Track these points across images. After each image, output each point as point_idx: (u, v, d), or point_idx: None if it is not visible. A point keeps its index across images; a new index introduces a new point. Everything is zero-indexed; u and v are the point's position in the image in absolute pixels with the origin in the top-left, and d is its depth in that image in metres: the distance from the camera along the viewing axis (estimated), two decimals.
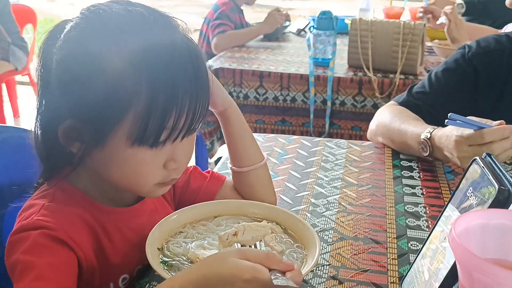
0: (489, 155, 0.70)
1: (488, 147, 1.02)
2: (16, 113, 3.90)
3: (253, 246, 0.75)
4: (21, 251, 0.66)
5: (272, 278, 0.60)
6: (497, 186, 0.61)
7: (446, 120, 1.05)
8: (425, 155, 1.17)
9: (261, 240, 0.76)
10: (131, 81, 0.65)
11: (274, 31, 2.95)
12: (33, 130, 0.74)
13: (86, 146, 0.69)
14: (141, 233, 0.78)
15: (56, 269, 0.65)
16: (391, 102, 1.45)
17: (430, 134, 1.15)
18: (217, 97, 0.87)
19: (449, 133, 1.09)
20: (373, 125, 1.40)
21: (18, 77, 3.99)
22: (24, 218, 0.71)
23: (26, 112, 3.96)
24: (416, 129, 1.21)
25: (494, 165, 0.67)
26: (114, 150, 0.69)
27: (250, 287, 0.60)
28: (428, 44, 2.48)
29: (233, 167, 0.94)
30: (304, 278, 0.80)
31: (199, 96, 0.69)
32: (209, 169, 1.00)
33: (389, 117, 1.33)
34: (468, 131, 1.05)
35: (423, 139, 1.16)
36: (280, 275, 0.61)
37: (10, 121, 3.73)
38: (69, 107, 0.68)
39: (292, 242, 0.82)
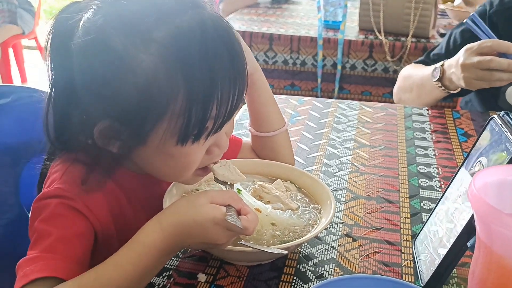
0: (507, 113, 0.69)
1: (491, 73, 1.15)
2: (24, 79, 3.90)
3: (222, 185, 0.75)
4: (40, 219, 0.67)
5: (227, 213, 0.63)
6: None
7: (465, 20, 1.20)
8: (435, 80, 1.29)
9: (232, 184, 0.74)
10: (166, 78, 0.61)
11: None
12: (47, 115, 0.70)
13: (127, 145, 0.67)
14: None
15: (68, 242, 0.66)
16: (411, 64, 1.55)
17: (443, 63, 1.29)
18: None
19: (458, 54, 1.21)
20: (395, 87, 1.52)
21: (24, 42, 3.96)
22: (48, 184, 0.71)
23: (33, 77, 3.95)
24: (431, 69, 1.33)
25: None
26: (158, 147, 0.66)
27: (218, 228, 0.64)
28: (441, 6, 2.43)
29: (255, 132, 0.93)
30: (319, 236, 0.81)
31: (237, 80, 0.65)
32: None
33: (408, 71, 1.47)
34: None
35: (436, 67, 1.30)
36: (234, 214, 0.64)
37: None
38: (103, 109, 0.65)
39: (307, 201, 0.82)
